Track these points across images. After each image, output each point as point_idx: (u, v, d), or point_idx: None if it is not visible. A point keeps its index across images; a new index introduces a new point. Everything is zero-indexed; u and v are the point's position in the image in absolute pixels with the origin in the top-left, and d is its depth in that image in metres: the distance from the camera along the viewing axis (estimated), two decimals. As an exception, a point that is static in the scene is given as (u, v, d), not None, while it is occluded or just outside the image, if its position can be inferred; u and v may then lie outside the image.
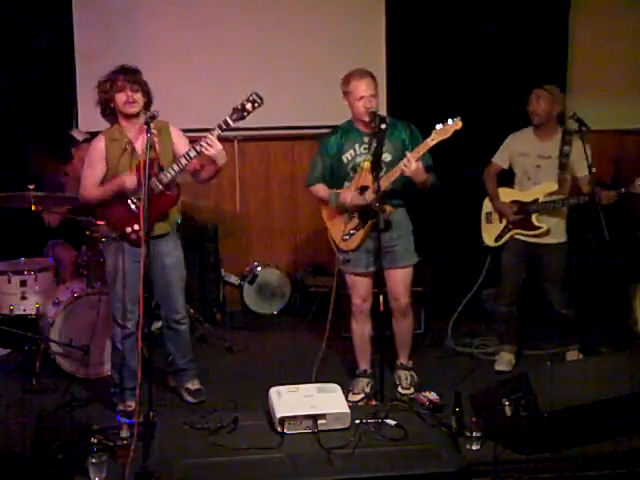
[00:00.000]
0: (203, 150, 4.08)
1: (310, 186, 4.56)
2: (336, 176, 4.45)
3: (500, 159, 4.99)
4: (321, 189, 4.50)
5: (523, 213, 4.82)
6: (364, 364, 4.62)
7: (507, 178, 5.04)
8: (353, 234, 4.40)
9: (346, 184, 4.41)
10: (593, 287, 5.12)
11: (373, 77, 4.33)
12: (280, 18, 6.21)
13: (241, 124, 5.81)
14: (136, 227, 4.15)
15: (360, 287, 4.48)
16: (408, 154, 4.15)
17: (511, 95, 6.18)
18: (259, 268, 6.33)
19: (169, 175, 4.15)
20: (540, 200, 4.77)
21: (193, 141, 4.32)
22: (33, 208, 4.92)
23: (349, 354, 4.79)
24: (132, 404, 4.17)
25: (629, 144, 6.24)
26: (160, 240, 4.30)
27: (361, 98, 4.26)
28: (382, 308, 4.17)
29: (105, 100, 4.22)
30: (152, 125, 4.02)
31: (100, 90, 4.24)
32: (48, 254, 5.40)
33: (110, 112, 4.25)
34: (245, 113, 4.08)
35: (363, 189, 4.30)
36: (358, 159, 4.36)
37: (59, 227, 5.37)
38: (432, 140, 4.13)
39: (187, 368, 4.55)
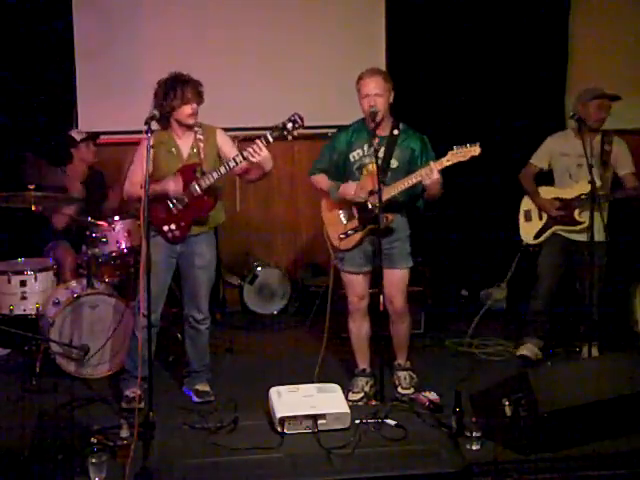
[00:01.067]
0: (250, 157, 4.13)
1: (312, 175, 4.55)
2: (341, 173, 4.45)
3: (539, 160, 5.07)
4: (322, 179, 4.49)
5: (566, 209, 4.90)
6: (363, 363, 4.61)
7: (544, 179, 5.11)
8: (350, 234, 4.39)
9: (350, 183, 4.41)
10: (593, 287, 5.12)
11: (384, 77, 4.33)
12: (280, 18, 6.22)
13: (241, 124, 5.85)
14: (173, 226, 4.29)
15: (356, 286, 4.48)
16: (432, 163, 4.14)
17: (511, 94, 6.21)
18: (259, 268, 6.33)
19: (207, 181, 4.24)
20: (583, 196, 4.81)
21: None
22: (33, 208, 4.92)
23: (349, 354, 4.78)
24: (138, 391, 4.20)
25: (629, 144, 6.24)
26: (193, 239, 4.36)
27: (366, 96, 4.26)
28: (382, 308, 4.17)
29: (169, 109, 4.23)
30: (200, 130, 4.28)
31: (163, 99, 4.23)
32: (48, 254, 5.40)
33: (165, 119, 4.27)
34: (286, 132, 4.13)
35: (371, 193, 4.29)
36: (365, 160, 4.35)
37: (64, 229, 5.37)
38: (447, 161, 4.12)
39: (201, 371, 4.58)
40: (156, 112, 4.12)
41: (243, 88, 6.11)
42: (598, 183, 4.72)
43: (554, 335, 5.21)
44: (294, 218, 6.48)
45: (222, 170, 4.22)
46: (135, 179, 4.33)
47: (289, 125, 4.12)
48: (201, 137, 4.34)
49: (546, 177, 5.13)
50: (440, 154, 4.32)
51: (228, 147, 4.38)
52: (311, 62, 6.22)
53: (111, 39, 6.04)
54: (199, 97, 4.29)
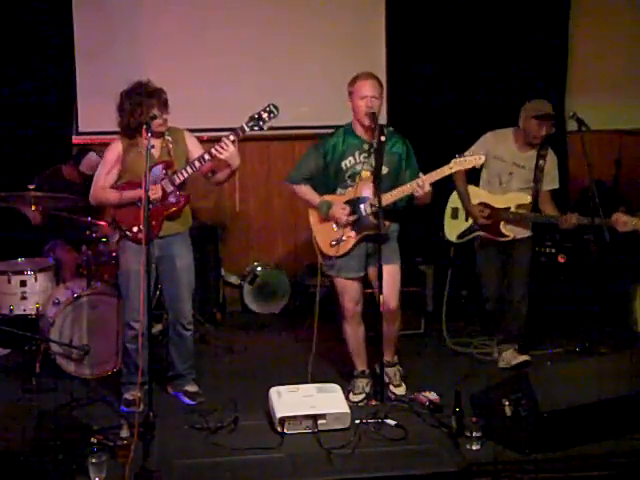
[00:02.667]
0: (217, 154, 4.14)
1: (294, 184, 4.49)
2: (330, 180, 4.40)
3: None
4: (308, 191, 4.45)
5: (493, 218, 4.85)
6: (361, 365, 4.59)
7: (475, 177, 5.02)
8: (344, 241, 4.37)
9: (339, 190, 4.38)
10: (593, 287, 5.13)
11: (379, 81, 4.32)
12: (280, 18, 6.22)
13: (240, 124, 5.82)
14: (142, 226, 4.20)
15: (352, 291, 4.45)
16: (423, 177, 4.15)
17: (511, 95, 6.20)
18: (259, 268, 6.33)
19: (181, 176, 4.25)
20: (512, 210, 4.81)
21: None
22: (33, 208, 4.93)
23: (345, 355, 4.75)
24: (138, 394, 4.28)
25: (629, 144, 6.24)
26: (171, 241, 4.35)
27: (364, 98, 4.23)
28: (382, 308, 4.16)
29: (137, 124, 4.17)
30: (168, 133, 4.24)
31: (130, 115, 4.18)
32: (48, 254, 5.40)
33: (133, 130, 4.22)
34: (261, 122, 4.16)
35: (356, 201, 4.28)
36: (357, 167, 4.33)
37: (46, 225, 5.36)
38: (450, 169, 4.14)
39: (187, 374, 4.56)
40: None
41: (243, 88, 6.11)
42: (528, 199, 4.77)
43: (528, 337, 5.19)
44: (294, 218, 6.47)
45: (197, 164, 4.21)
46: (102, 184, 4.31)
47: (264, 115, 4.15)
48: (169, 139, 4.31)
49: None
50: (439, 154, 4.32)
51: (197, 149, 4.36)
52: (311, 62, 6.22)
53: (111, 39, 6.04)
54: (165, 106, 4.24)
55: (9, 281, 5.02)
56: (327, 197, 4.40)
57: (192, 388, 4.54)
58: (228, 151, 4.14)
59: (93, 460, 3.34)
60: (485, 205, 4.88)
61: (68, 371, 4.79)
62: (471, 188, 4.95)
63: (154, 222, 4.25)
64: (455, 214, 5.04)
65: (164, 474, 3.36)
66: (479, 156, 4.12)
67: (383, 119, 5.67)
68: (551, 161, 4.85)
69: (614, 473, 3.51)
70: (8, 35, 5.83)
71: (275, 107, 4.16)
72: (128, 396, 4.38)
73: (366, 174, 4.28)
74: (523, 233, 4.87)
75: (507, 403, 3.60)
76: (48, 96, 5.91)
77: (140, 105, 4.17)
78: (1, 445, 3.26)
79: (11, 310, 5.01)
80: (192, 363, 4.58)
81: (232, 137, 4.15)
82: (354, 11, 6.28)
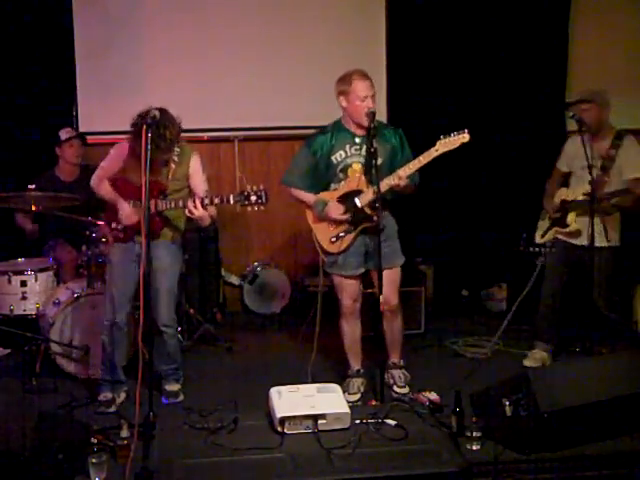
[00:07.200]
0: (188, 213, 4.18)
1: (288, 185, 4.50)
2: (322, 176, 4.40)
3: (560, 164, 5.05)
4: (302, 192, 4.46)
5: (562, 211, 4.90)
6: (356, 364, 4.59)
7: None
8: (342, 237, 4.36)
9: (332, 185, 4.39)
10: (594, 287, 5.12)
11: (370, 78, 4.32)
12: (280, 18, 6.22)
13: (241, 124, 5.86)
14: (119, 227, 4.34)
15: (350, 289, 4.46)
16: (399, 171, 4.15)
17: (511, 95, 6.21)
18: (259, 268, 6.33)
19: (165, 207, 4.26)
20: (580, 197, 4.76)
21: (190, 141, 4.36)
22: (33, 208, 4.93)
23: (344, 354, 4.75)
24: (109, 395, 4.39)
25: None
26: (151, 244, 4.19)
27: (364, 99, 4.23)
28: (382, 308, 4.17)
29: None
30: (178, 151, 4.24)
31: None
32: (48, 254, 5.40)
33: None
34: (247, 202, 4.13)
35: (350, 194, 4.28)
36: (349, 160, 4.33)
37: (45, 226, 5.42)
38: (436, 151, 4.10)
39: (167, 374, 4.55)
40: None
41: (243, 88, 6.12)
42: (587, 188, 4.63)
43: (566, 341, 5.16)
44: (294, 218, 6.46)
45: (180, 204, 4.22)
46: (101, 174, 4.40)
47: (252, 197, 4.12)
48: (175, 159, 4.29)
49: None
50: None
51: (197, 177, 4.35)
52: (311, 62, 6.22)
53: (111, 39, 6.04)
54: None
55: (9, 281, 5.03)
56: (322, 195, 4.40)
57: (170, 387, 4.53)
58: (194, 214, 4.14)
59: (93, 460, 3.34)
60: (562, 201, 4.93)
61: (68, 371, 4.79)
62: (561, 190, 4.98)
63: (128, 230, 4.33)
64: (542, 216, 5.10)
65: (164, 474, 3.36)
66: (463, 134, 4.06)
67: (383, 117, 5.68)
68: (627, 149, 4.79)
69: (614, 473, 3.51)
70: (8, 35, 5.83)
71: (266, 195, 4.12)
72: (101, 397, 4.42)
73: (357, 166, 4.28)
74: (600, 240, 4.64)
75: (507, 403, 3.59)
76: (48, 96, 5.91)
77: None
78: (1, 445, 3.27)
79: (11, 310, 5.02)
80: (176, 367, 4.57)
81: (206, 201, 4.13)
82: (354, 11, 6.28)
